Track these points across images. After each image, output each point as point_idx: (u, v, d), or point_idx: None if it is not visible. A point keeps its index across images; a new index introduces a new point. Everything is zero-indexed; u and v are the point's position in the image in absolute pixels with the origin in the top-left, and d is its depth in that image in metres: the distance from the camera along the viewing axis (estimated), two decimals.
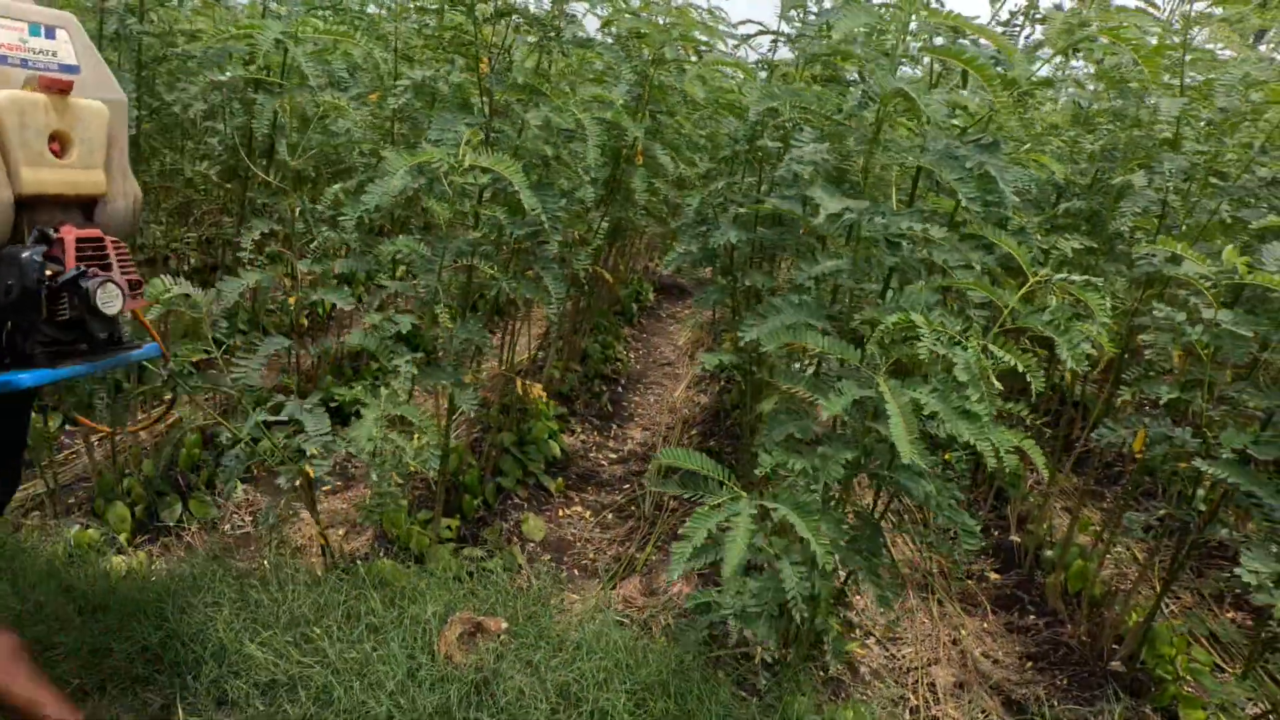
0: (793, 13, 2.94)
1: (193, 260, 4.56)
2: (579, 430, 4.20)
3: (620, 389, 4.79)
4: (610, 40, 3.40)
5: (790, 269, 2.88)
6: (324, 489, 3.73)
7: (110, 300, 1.53)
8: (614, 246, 4.41)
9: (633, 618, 2.80)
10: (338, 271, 2.82)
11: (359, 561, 2.78)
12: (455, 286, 2.78)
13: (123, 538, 3.12)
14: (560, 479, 3.74)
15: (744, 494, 1.78)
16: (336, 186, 2.69)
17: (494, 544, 3.21)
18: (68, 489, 3.34)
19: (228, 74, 2.75)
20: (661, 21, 3.57)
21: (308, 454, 2.36)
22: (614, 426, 4.35)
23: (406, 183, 2.25)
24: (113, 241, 1.61)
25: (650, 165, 3.38)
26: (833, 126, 2.31)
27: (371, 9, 3.81)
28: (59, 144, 1.55)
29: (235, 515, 3.56)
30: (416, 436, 2.42)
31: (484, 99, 2.63)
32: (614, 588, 3.05)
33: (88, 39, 1.64)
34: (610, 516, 3.59)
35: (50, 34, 1.55)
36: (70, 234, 1.52)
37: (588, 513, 3.62)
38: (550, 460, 3.78)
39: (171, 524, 3.30)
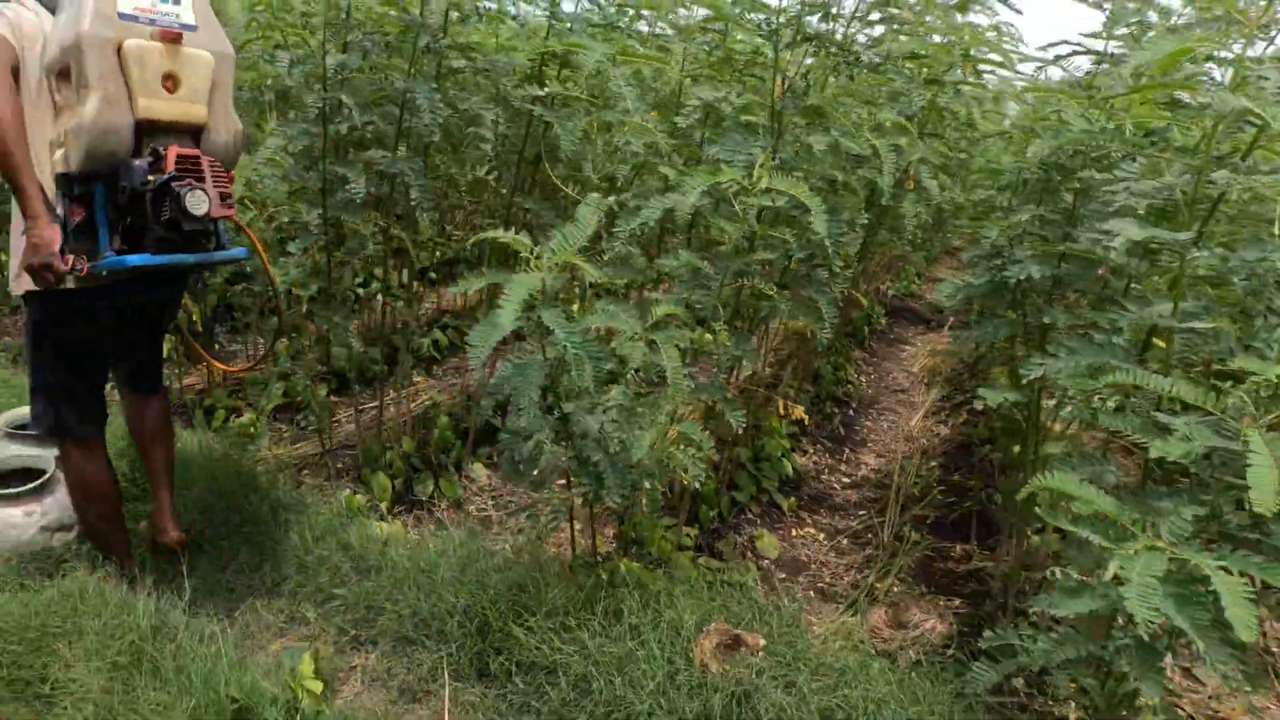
0: (1122, 29, 2.63)
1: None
2: (810, 451, 4.03)
3: (852, 412, 4.57)
4: (879, 61, 3.24)
5: (1082, 306, 2.58)
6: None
7: (198, 203, 1.89)
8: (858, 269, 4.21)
9: (879, 649, 2.59)
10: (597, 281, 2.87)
11: (603, 559, 2.76)
12: (725, 304, 2.73)
13: (384, 506, 3.30)
14: (792, 498, 3.58)
15: (1157, 541, 1.54)
16: (611, 199, 2.71)
17: (729, 556, 3.10)
18: (336, 453, 3.60)
19: (534, 90, 2.87)
20: (940, 40, 3.36)
21: None
22: (846, 450, 4.14)
23: (697, 201, 2.22)
24: (210, 161, 1.97)
25: (917, 190, 3.20)
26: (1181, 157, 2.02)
27: (644, 26, 3.87)
28: (170, 82, 1.94)
29: (477, 498, 3.69)
30: (683, 448, 2.36)
31: (774, 121, 2.57)
32: (856, 615, 2.84)
33: (207, 6, 2.03)
34: (845, 541, 3.38)
35: (177, 1, 1.97)
36: (173, 151, 1.91)
37: (821, 535, 3.43)
38: (783, 479, 3.63)
39: (424, 499, 3.47)
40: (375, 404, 3.85)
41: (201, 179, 1.93)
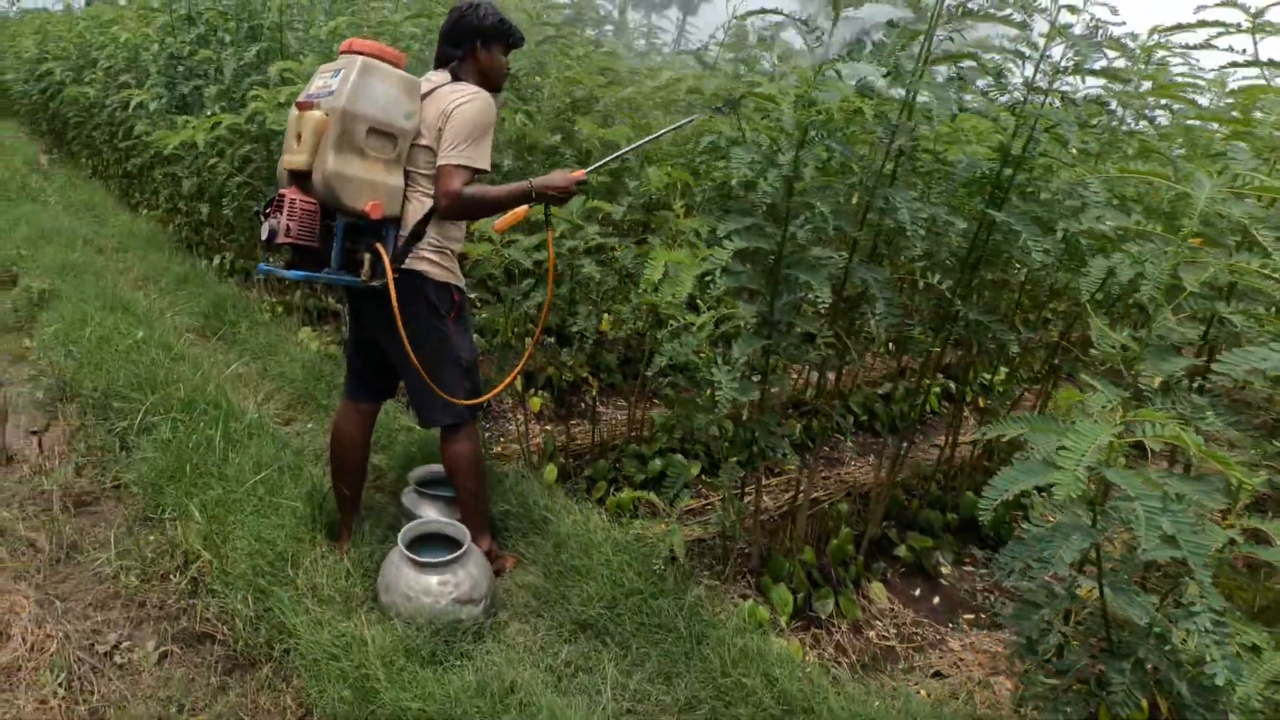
0: None
1: None
2: None
3: None
4: None
5: None
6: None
7: (263, 232, 2.20)
8: None
9: None
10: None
11: None
12: None
13: (783, 620, 2.69)
14: None
15: None
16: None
17: None
18: (709, 543, 3.08)
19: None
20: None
21: None
22: None
23: None
24: (296, 200, 2.18)
25: None
26: None
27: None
28: (298, 138, 2.23)
29: (878, 622, 2.96)
30: None
31: None
32: None
33: (352, 72, 2.22)
34: None
35: (337, 74, 2.25)
36: (280, 192, 2.22)
37: None
38: None
39: (822, 616, 2.82)
40: (749, 488, 3.33)
41: (279, 213, 2.19)
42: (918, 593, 3.22)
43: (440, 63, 2.48)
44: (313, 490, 2.86)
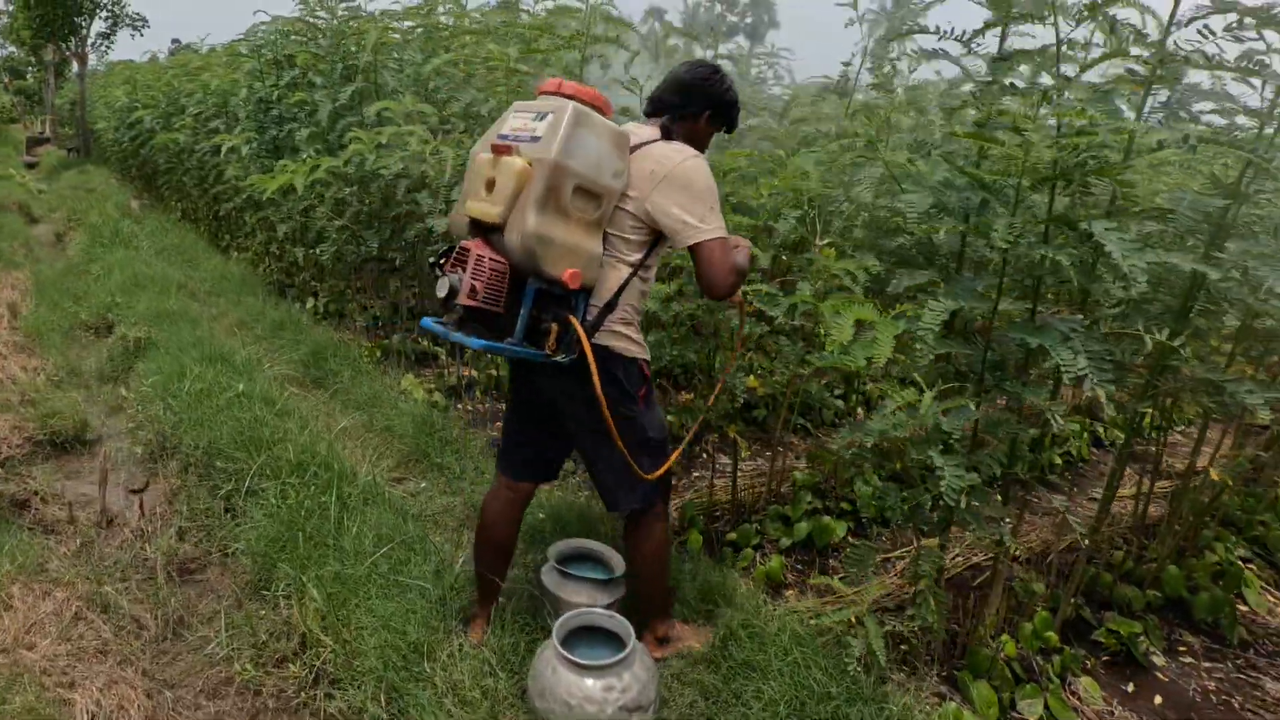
0: None
1: None
2: None
3: None
4: None
5: None
6: None
7: (439, 288, 1.90)
8: None
9: None
10: None
11: None
12: None
13: None
14: None
15: None
16: None
17: None
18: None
19: None
20: None
21: None
22: None
23: None
24: (483, 257, 1.88)
25: None
26: None
27: None
28: (487, 185, 1.93)
29: None
30: None
31: None
32: None
33: (563, 119, 1.85)
34: None
35: (542, 117, 1.90)
36: (464, 244, 1.95)
37: None
38: None
39: (1030, 718, 2.34)
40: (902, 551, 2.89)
41: (461, 268, 1.90)
42: (1131, 689, 2.68)
43: (653, 112, 2.16)
44: (440, 567, 2.50)
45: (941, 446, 1.73)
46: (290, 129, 5.06)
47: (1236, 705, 2.67)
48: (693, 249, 1.95)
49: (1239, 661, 2.88)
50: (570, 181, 1.84)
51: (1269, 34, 1.92)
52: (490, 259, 1.87)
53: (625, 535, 2.24)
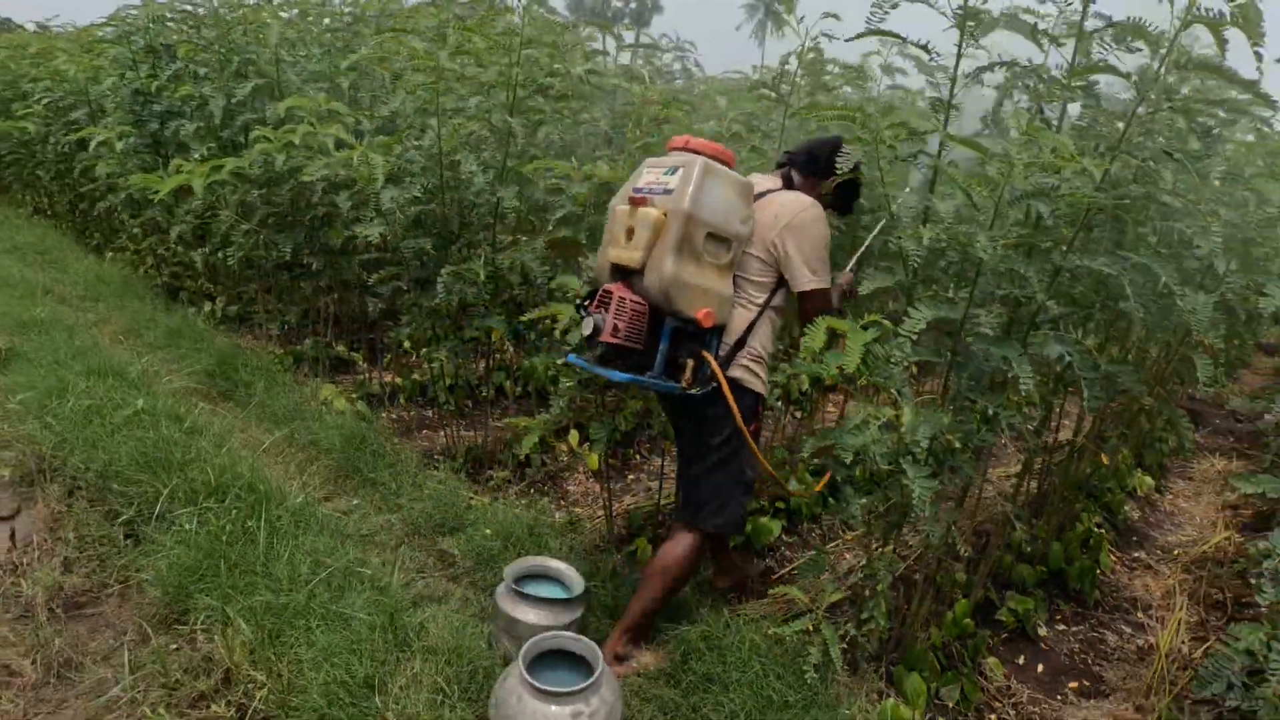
0: None
1: None
2: None
3: None
4: None
5: None
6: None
7: (585, 326, 2.04)
8: None
9: None
10: None
11: None
12: None
13: (916, 715, 2.35)
14: None
15: None
16: None
17: None
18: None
19: None
20: None
21: None
22: None
23: None
24: (625, 299, 2.02)
25: None
26: None
27: None
28: (626, 233, 2.09)
29: (997, 703, 2.65)
30: None
31: None
32: None
33: (693, 173, 2.05)
34: None
35: (674, 172, 2.07)
36: (607, 287, 2.08)
37: None
38: None
39: (950, 704, 2.49)
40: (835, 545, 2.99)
41: (604, 309, 2.05)
42: (1022, 661, 2.93)
43: (783, 165, 2.41)
44: (385, 591, 2.37)
45: (911, 456, 1.80)
46: (176, 125, 4.64)
47: (1090, 661, 2.97)
48: (801, 294, 2.18)
49: (1093, 621, 3.20)
50: (702, 229, 2.03)
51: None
52: (631, 300, 2.03)
53: (667, 543, 2.31)
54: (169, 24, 5.11)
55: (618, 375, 2.05)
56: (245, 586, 2.33)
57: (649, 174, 2.14)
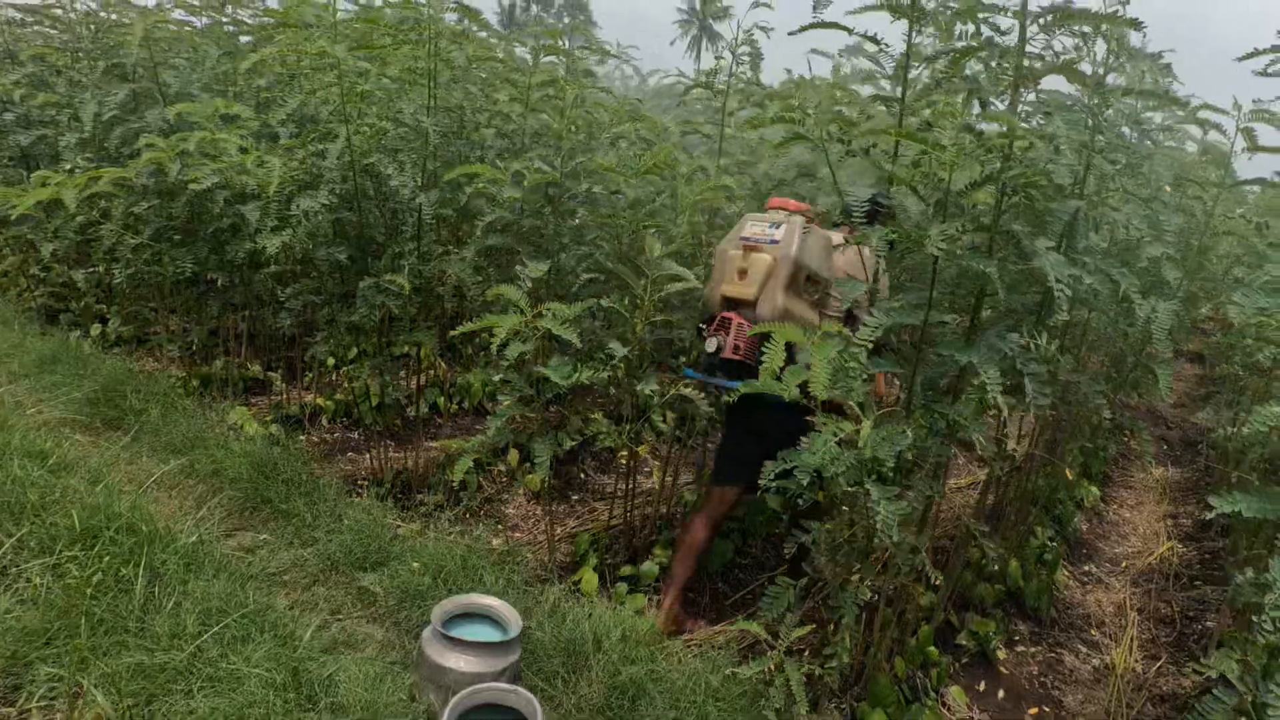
0: None
1: None
2: None
3: None
4: None
5: None
6: None
7: (709, 345, 2.49)
8: None
9: None
10: None
11: None
12: None
13: None
14: None
15: None
16: None
17: None
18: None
19: None
20: None
21: None
22: None
23: None
24: (743, 324, 2.46)
25: None
26: None
27: None
28: (740, 273, 2.53)
29: None
30: None
31: None
32: None
33: (796, 227, 2.50)
34: None
35: (777, 226, 2.53)
36: (724, 314, 2.53)
37: None
38: None
39: None
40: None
41: (725, 332, 2.46)
42: (983, 686, 2.78)
43: (842, 221, 2.74)
44: (289, 640, 2.03)
45: (875, 476, 1.62)
46: (42, 135, 4.21)
47: (1049, 684, 2.85)
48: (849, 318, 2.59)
49: (1050, 640, 3.10)
50: (803, 272, 2.48)
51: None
52: (748, 326, 2.41)
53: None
54: (33, 28, 4.71)
55: (738, 384, 2.26)
56: (111, 647, 1.94)
57: (753, 226, 2.54)
